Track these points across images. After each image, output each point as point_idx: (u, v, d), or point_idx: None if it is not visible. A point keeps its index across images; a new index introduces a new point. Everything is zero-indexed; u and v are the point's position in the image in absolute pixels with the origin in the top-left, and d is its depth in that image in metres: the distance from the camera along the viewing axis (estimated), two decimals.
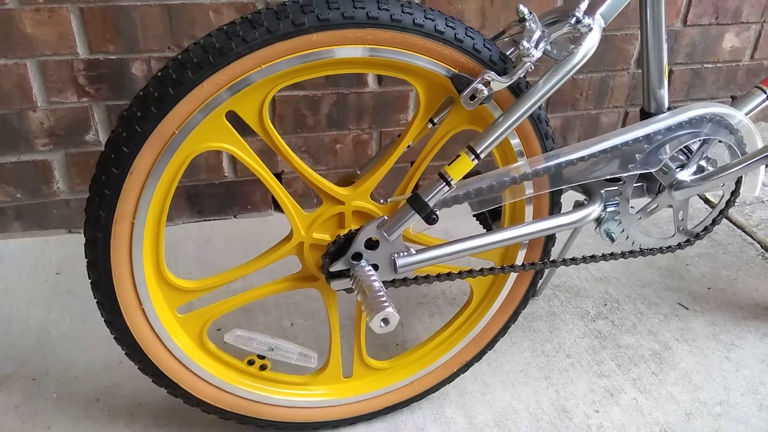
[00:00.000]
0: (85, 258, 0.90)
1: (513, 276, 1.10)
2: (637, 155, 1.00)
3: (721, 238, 1.77)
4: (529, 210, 1.05)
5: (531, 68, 0.87)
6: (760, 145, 1.06)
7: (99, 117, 1.48)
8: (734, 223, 1.84)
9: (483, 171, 0.98)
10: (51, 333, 1.35)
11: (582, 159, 0.97)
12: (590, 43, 0.88)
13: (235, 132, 0.88)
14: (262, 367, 1.06)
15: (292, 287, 1.02)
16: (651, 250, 1.13)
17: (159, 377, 1.00)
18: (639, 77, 1.81)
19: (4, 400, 1.19)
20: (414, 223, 0.93)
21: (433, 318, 1.45)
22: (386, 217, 0.93)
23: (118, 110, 1.48)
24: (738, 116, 1.05)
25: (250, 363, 1.05)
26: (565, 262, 1.08)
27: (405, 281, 0.99)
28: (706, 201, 1.91)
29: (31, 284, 1.47)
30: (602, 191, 1.06)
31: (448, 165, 0.90)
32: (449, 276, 1.02)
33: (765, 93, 1.10)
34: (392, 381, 1.14)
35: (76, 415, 1.17)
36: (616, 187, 1.07)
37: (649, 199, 1.11)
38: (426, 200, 0.90)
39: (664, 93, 1.07)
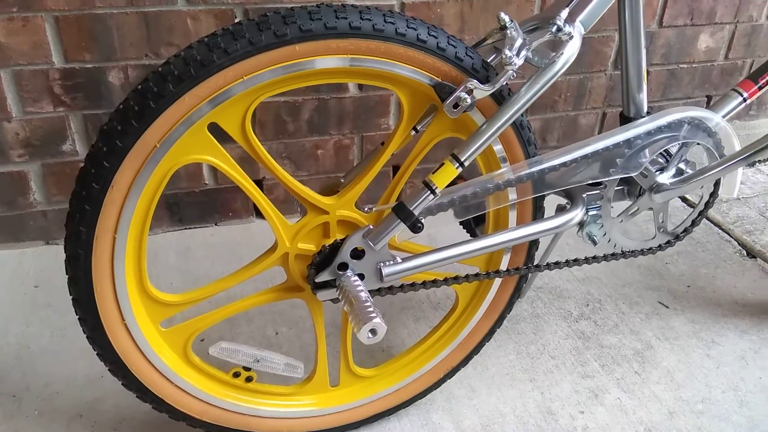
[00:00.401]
0: (66, 274, 0.88)
1: (498, 281, 1.11)
2: (618, 160, 1.01)
3: (699, 236, 1.80)
4: (512, 215, 1.05)
5: (513, 76, 0.88)
6: (738, 147, 1.08)
7: (76, 126, 1.46)
8: (711, 221, 1.87)
9: (466, 176, 0.98)
10: (31, 348, 1.32)
11: (564, 164, 0.98)
12: (571, 51, 0.88)
13: (218, 144, 0.87)
14: (248, 379, 1.05)
15: (277, 298, 1.02)
16: (632, 252, 1.14)
17: (143, 393, 0.98)
18: (616, 78, 1.83)
19: None
20: (399, 232, 0.93)
21: (418, 323, 1.45)
22: (372, 227, 0.93)
23: (96, 119, 1.46)
24: (715, 119, 1.06)
25: (236, 375, 1.04)
26: (549, 266, 1.09)
27: (391, 289, 0.99)
28: (684, 200, 1.93)
29: (9, 298, 1.45)
30: (584, 195, 1.07)
31: (433, 173, 0.90)
32: (435, 283, 1.02)
33: (741, 96, 1.12)
34: (379, 389, 1.14)
35: None
36: (598, 191, 1.08)
37: (630, 202, 1.12)
38: (411, 209, 0.90)
39: (643, 97, 1.09)
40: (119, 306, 0.91)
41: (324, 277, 0.94)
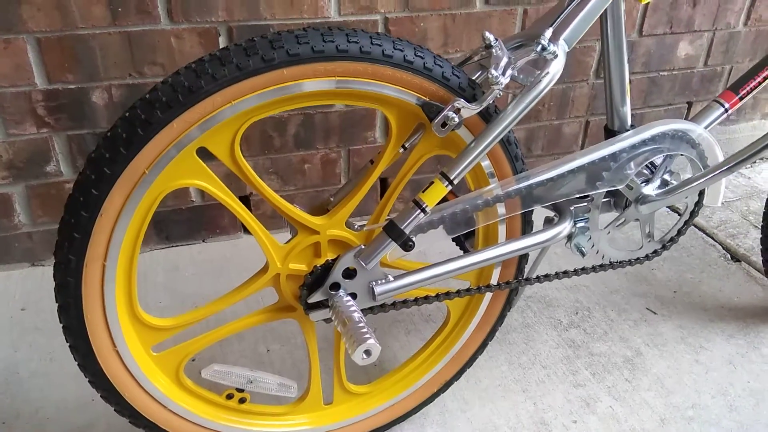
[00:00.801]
0: (56, 302, 0.87)
1: (489, 295, 1.12)
2: (604, 173, 1.03)
3: (685, 241, 1.82)
4: (502, 230, 1.06)
5: (499, 95, 0.89)
6: (721, 157, 1.10)
7: (60, 147, 1.45)
8: (696, 226, 1.89)
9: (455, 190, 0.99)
10: (19, 373, 1.31)
11: (552, 179, 0.99)
12: (555, 69, 0.89)
13: (207, 168, 0.87)
14: (242, 400, 1.05)
15: (269, 319, 1.02)
16: (620, 262, 1.16)
17: (136, 418, 0.98)
18: (598, 87, 1.85)
19: None
20: (391, 251, 0.93)
21: (410, 335, 1.45)
22: (363, 246, 0.93)
23: (80, 140, 1.45)
24: (698, 130, 1.08)
25: (229, 397, 1.04)
26: (539, 279, 1.10)
27: (384, 307, 0.99)
28: (671, 207, 1.96)
29: None
30: (572, 208, 1.09)
31: (423, 192, 0.90)
32: (427, 299, 1.03)
33: (723, 107, 1.14)
34: (373, 405, 1.14)
35: None
36: (585, 204, 1.09)
37: (617, 214, 1.13)
38: (402, 228, 0.90)
39: (627, 110, 1.10)
40: (110, 333, 0.90)
41: (316, 297, 0.94)
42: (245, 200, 1.65)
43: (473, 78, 1.01)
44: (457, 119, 0.90)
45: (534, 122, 1.84)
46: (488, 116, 0.94)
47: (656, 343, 1.47)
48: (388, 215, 1.00)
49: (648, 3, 1.76)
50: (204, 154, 0.86)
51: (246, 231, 1.72)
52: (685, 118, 2.05)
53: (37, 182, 1.47)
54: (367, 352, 0.84)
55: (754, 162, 1.07)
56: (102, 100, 1.42)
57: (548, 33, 0.88)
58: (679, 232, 1.18)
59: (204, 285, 1.57)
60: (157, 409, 0.98)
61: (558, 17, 0.91)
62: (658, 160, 1.09)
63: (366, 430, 1.15)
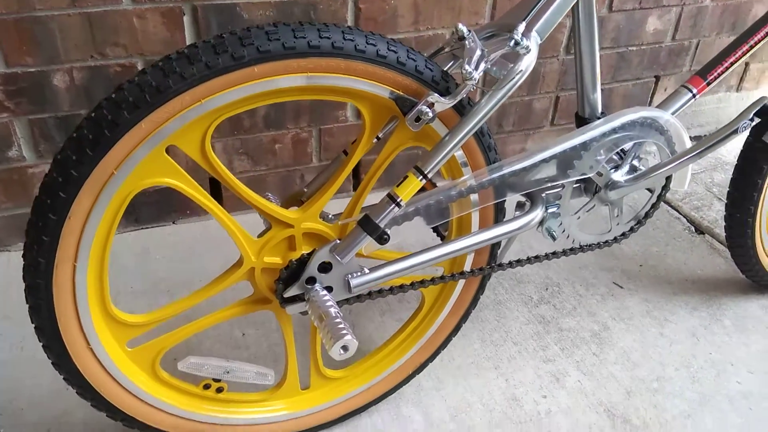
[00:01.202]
0: (27, 303, 0.86)
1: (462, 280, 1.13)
2: (575, 162, 1.04)
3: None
4: (475, 218, 1.07)
5: (472, 89, 0.89)
6: (688, 144, 1.12)
7: (21, 132, 1.41)
8: None
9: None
10: None
11: (524, 169, 1.00)
12: (528, 62, 0.89)
13: (178, 166, 0.86)
14: (219, 390, 1.06)
15: (244, 311, 1.02)
16: (590, 246, 1.18)
17: (113, 412, 0.98)
18: (568, 63, 1.85)
19: None
20: (366, 244, 0.93)
21: (384, 316, 1.47)
22: (338, 241, 0.93)
23: (42, 124, 1.41)
24: (665, 117, 1.09)
25: (206, 387, 1.05)
26: (511, 264, 1.12)
27: (359, 298, 1.00)
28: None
29: None
30: (543, 195, 1.10)
31: (397, 186, 0.91)
32: (402, 288, 1.04)
33: (691, 92, 1.15)
34: (350, 389, 1.16)
35: None
36: (557, 190, 1.10)
37: (587, 199, 1.15)
38: (377, 222, 0.91)
39: (598, 97, 1.11)
40: (84, 332, 0.89)
41: (292, 291, 0.95)
42: (215, 183, 1.63)
43: (446, 68, 1.01)
44: (430, 114, 0.89)
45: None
46: (462, 109, 0.94)
47: (623, 317, 1.51)
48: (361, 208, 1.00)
49: None
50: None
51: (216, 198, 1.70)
52: (653, 93, 2.08)
53: None
54: (344, 348, 0.85)
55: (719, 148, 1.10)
56: (63, 83, 1.38)
57: (521, 27, 0.88)
58: (647, 215, 1.21)
59: (175, 268, 1.56)
60: (135, 403, 0.98)
61: (531, 10, 0.90)
62: (627, 146, 1.10)
63: (343, 413, 1.18)
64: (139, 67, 1.43)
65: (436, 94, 0.89)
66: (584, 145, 1.03)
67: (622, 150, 1.11)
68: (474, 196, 1.02)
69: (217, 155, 1.28)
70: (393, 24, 1.57)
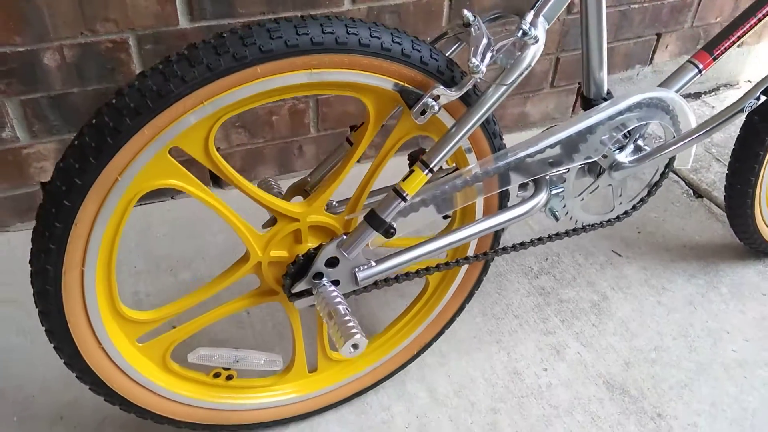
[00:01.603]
0: (36, 308, 0.86)
1: None
2: (580, 145, 1.03)
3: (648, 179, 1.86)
4: (480, 204, 1.07)
5: (479, 80, 0.87)
6: (693, 123, 1.11)
7: (13, 113, 1.37)
8: None
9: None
10: None
11: (530, 155, 0.99)
12: (535, 50, 0.87)
13: (182, 167, 0.84)
14: (229, 377, 1.07)
15: (253, 303, 1.02)
16: (593, 225, 1.18)
17: (127, 405, 0.99)
18: (569, 23, 1.81)
19: None
20: (373, 239, 0.93)
21: (388, 294, 1.48)
22: (345, 236, 0.93)
23: (34, 103, 1.38)
24: (671, 95, 1.08)
25: (216, 375, 1.06)
26: (515, 247, 1.12)
27: (366, 289, 1.01)
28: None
29: None
30: (547, 177, 1.09)
31: (403, 181, 0.90)
32: (407, 276, 1.04)
33: (697, 68, 1.13)
34: (356, 370, 1.18)
35: None
36: (561, 173, 1.10)
37: (591, 180, 1.15)
38: (383, 217, 0.90)
39: (604, 77, 1.09)
40: (95, 333, 0.90)
41: (300, 287, 0.95)
42: None
43: (450, 52, 0.98)
44: (437, 107, 0.88)
45: None
46: (468, 98, 0.92)
47: (621, 286, 1.53)
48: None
49: None
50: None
51: (215, 184, 1.69)
52: (654, 51, 2.04)
53: None
54: (355, 346, 0.86)
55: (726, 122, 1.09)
56: (54, 62, 1.34)
57: (529, 17, 0.85)
58: (649, 193, 1.21)
59: (177, 245, 1.56)
60: (147, 395, 1.00)
61: None
62: (632, 127, 1.09)
63: (350, 393, 1.20)
64: (131, 43, 1.39)
65: (442, 87, 0.87)
66: (590, 129, 1.02)
67: (627, 131, 1.09)
68: (479, 185, 1.01)
69: None
70: None
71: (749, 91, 1.08)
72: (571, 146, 1.02)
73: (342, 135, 1.75)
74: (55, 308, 0.85)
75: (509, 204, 1.08)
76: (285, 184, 1.14)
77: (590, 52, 1.07)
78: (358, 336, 0.85)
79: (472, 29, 0.89)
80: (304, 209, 0.95)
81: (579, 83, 2.02)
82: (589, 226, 1.18)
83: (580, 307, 1.48)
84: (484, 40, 0.87)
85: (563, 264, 1.58)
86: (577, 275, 1.56)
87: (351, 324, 0.86)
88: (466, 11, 0.90)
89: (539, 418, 1.24)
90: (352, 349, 0.86)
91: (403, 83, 0.88)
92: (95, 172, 0.77)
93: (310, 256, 0.94)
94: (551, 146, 1.00)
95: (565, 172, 1.09)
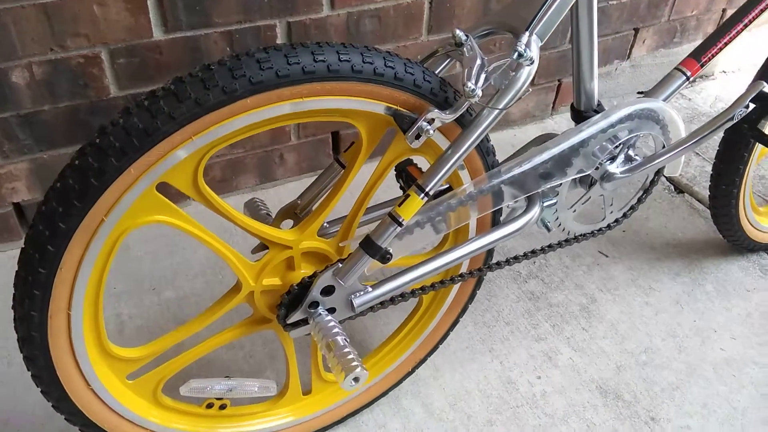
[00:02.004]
0: (21, 353, 0.83)
1: None
2: (574, 159, 1.02)
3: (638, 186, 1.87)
4: (473, 222, 1.05)
5: (474, 102, 0.85)
6: (683, 132, 1.10)
7: None
8: None
9: None
10: None
11: (524, 173, 0.98)
12: (531, 71, 0.85)
13: (169, 202, 0.81)
14: (222, 407, 1.05)
15: (245, 332, 1.00)
16: (584, 235, 1.18)
17: None
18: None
19: None
20: (369, 265, 0.91)
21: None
22: (340, 264, 0.91)
23: (3, 123, 1.32)
24: (660, 105, 1.07)
25: (209, 406, 1.04)
26: (509, 262, 1.11)
27: (362, 313, 0.99)
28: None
29: None
30: (539, 191, 1.08)
31: (398, 206, 0.88)
32: (402, 296, 1.03)
33: (685, 75, 1.13)
34: (351, 391, 1.16)
35: None
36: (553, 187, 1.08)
37: (583, 191, 1.14)
38: (379, 244, 0.88)
39: (595, 87, 1.08)
40: (83, 374, 0.86)
41: (296, 317, 0.93)
42: None
43: (439, 70, 0.96)
44: (431, 130, 0.86)
45: None
46: (462, 118, 0.90)
47: (609, 287, 1.54)
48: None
49: None
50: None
51: None
52: (632, 46, 2.04)
53: None
54: (356, 379, 0.84)
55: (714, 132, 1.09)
56: (23, 80, 1.28)
57: (524, 38, 0.83)
58: (639, 200, 1.21)
59: (159, 264, 1.52)
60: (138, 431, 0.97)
61: (535, 16, 0.86)
62: (623, 139, 1.08)
63: (345, 413, 1.18)
64: (103, 57, 1.33)
65: (436, 110, 0.85)
66: (583, 143, 1.01)
67: (617, 140, 1.09)
68: (473, 206, 0.99)
69: None
70: None
71: (738, 99, 1.08)
72: (564, 161, 1.01)
73: (323, 142, 1.71)
74: (42, 354, 0.81)
75: (502, 220, 1.06)
76: (267, 193, 1.11)
77: (581, 64, 1.05)
78: (359, 369, 0.83)
79: (465, 49, 0.87)
80: (297, 236, 0.92)
81: (558, 80, 2.02)
82: (581, 235, 1.17)
83: (570, 310, 1.48)
84: (478, 61, 0.85)
85: (551, 267, 1.58)
86: (565, 278, 1.56)
87: (351, 356, 0.84)
88: (458, 30, 0.87)
89: (535, 428, 1.24)
90: (353, 383, 0.84)
91: (396, 107, 0.85)
92: (80, 215, 0.73)
93: (305, 285, 0.91)
94: (545, 162, 0.99)
95: (557, 186, 1.08)
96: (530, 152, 0.99)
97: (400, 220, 0.87)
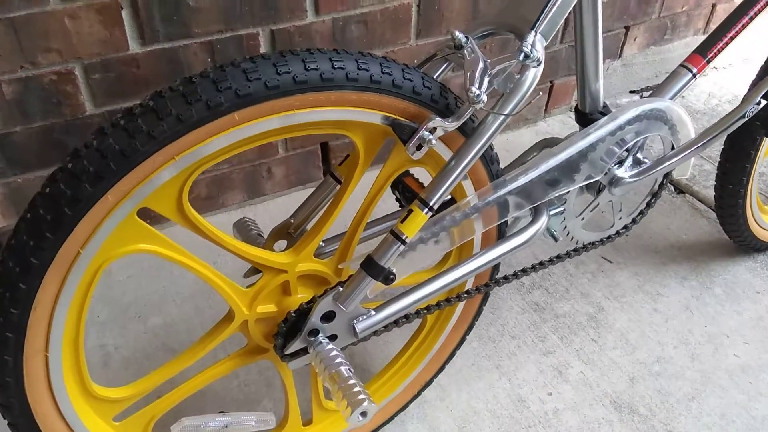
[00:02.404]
0: None
1: None
2: (582, 165, 0.96)
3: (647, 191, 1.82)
4: (477, 239, 0.99)
5: (478, 108, 0.79)
6: (692, 132, 1.05)
7: None
8: None
9: None
10: None
11: (531, 182, 0.92)
12: (537, 72, 0.80)
13: (153, 229, 0.74)
14: None
15: (241, 363, 0.93)
16: (593, 243, 1.12)
17: None
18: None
19: None
20: (371, 287, 0.84)
21: None
22: (341, 288, 0.84)
23: None
24: (667, 104, 1.02)
25: None
26: (516, 275, 1.05)
27: (366, 338, 0.92)
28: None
29: None
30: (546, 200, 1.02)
31: (401, 222, 0.81)
32: (407, 318, 0.96)
33: (691, 72, 1.08)
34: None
35: None
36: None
37: (590, 198, 1.08)
38: (381, 264, 0.82)
39: (600, 89, 1.02)
40: (64, 419, 0.79)
41: (294, 347, 0.86)
42: None
43: (438, 74, 0.90)
44: (433, 140, 0.79)
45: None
46: (464, 126, 0.84)
47: (615, 295, 1.48)
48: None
49: None
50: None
51: None
52: (623, 44, 2.00)
53: None
54: (363, 414, 0.77)
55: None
56: None
57: (530, 38, 0.77)
58: (648, 205, 1.15)
59: (144, 288, 1.44)
60: None
61: (540, 15, 0.80)
62: (632, 141, 1.03)
63: None
64: (77, 73, 1.26)
65: (438, 118, 0.79)
66: (591, 147, 0.95)
67: (625, 143, 1.03)
68: (477, 220, 0.93)
69: None
70: None
71: (748, 96, 1.03)
72: (572, 167, 0.95)
73: (312, 154, 1.65)
74: (17, 401, 0.74)
75: (508, 233, 1.01)
76: (256, 209, 1.04)
77: (586, 65, 1.00)
78: (366, 403, 0.76)
79: (466, 52, 0.81)
80: (292, 258, 0.86)
81: (551, 82, 1.97)
82: (590, 244, 1.12)
83: (577, 321, 1.42)
84: (481, 64, 0.79)
85: (554, 275, 1.53)
86: (569, 287, 1.50)
87: (357, 389, 0.78)
88: (457, 32, 0.82)
89: None
90: (360, 417, 0.77)
91: (394, 116, 0.79)
92: (53, 248, 0.66)
93: (304, 312, 0.85)
94: (552, 169, 0.93)
95: (565, 194, 1.02)
96: (536, 159, 0.93)
97: (404, 238, 0.81)
